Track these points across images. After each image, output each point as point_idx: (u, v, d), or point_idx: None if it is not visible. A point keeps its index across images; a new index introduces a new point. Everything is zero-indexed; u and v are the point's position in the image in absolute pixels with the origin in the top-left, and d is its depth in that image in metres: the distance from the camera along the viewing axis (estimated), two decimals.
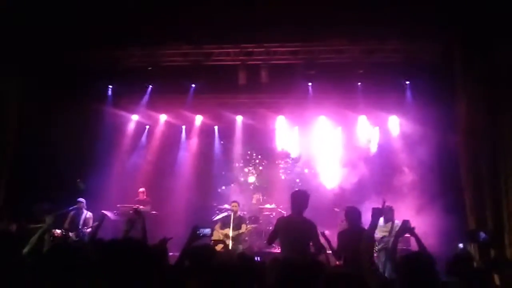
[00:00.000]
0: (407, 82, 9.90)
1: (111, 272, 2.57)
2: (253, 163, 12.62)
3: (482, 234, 3.82)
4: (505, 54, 7.46)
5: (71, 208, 8.86)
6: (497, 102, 7.73)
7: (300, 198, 5.36)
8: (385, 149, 10.92)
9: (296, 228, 5.18)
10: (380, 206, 4.69)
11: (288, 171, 12.42)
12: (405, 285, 3.44)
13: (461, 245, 6.93)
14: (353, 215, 5.57)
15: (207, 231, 4.34)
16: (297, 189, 5.73)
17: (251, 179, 12.43)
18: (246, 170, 12.58)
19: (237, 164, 12.49)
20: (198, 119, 12.12)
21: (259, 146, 12.53)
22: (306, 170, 12.10)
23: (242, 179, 12.40)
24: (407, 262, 3.66)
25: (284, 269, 3.55)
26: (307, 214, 5.43)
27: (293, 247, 5.10)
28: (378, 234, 8.15)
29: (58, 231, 8.19)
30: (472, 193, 8.24)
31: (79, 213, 8.87)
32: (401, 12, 7.77)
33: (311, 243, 5.28)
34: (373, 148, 11.09)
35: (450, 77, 8.70)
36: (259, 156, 12.60)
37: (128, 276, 2.50)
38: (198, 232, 4.26)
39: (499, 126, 7.71)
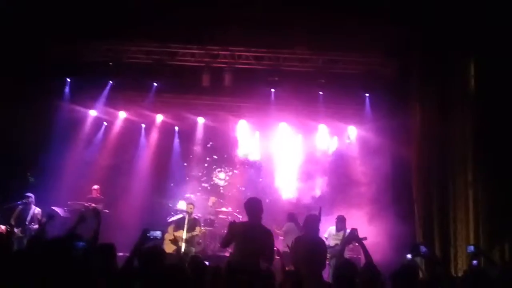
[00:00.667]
0: (367, 94, 10.14)
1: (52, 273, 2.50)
2: (212, 166, 12.58)
3: (423, 248, 3.96)
4: (458, 67, 7.83)
5: (19, 202, 8.49)
6: (449, 116, 8.08)
7: (255, 205, 5.36)
8: (342, 159, 11.15)
9: (255, 235, 5.16)
10: (317, 213, 4.77)
11: (247, 177, 12.45)
12: None
13: (409, 256, 7.13)
14: (312, 222, 5.60)
15: (158, 233, 4.26)
16: (250, 197, 5.69)
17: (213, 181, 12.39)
18: (204, 172, 12.52)
19: (195, 166, 12.41)
20: (159, 118, 11.95)
21: (219, 149, 12.51)
22: (260, 179, 12.18)
23: (199, 181, 12.33)
24: (340, 269, 3.80)
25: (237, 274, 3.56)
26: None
27: (249, 253, 5.08)
28: (330, 242, 8.30)
29: (2, 227, 7.83)
30: (422, 204, 8.54)
31: (27, 208, 8.46)
32: (362, 25, 8.00)
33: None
34: (331, 157, 11.29)
35: (407, 91, 9.04)
36: (218, 159, 12.57)
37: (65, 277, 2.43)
38: (148, 234, 4.18)
39: (449, 141, 8.04)
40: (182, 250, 8.82)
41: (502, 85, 6.82)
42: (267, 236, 5.24)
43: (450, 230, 7.86)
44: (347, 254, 8.33)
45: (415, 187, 8.80)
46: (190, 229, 9.08)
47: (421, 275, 6.91)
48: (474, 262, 5.42)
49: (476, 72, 7.39)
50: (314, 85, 10.01)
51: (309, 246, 5.20)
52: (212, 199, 11.07)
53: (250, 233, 5.13)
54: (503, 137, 6.86)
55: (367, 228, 9.14)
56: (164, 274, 2.97)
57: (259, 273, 4.17)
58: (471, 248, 5.64)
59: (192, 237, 9.06)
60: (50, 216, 6.78)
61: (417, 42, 8.43)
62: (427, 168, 8.51)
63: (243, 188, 12.19)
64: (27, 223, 8.37)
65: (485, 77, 7.23)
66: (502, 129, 6.85)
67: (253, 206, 5.33)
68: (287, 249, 5.86)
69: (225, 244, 5.49)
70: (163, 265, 3.49)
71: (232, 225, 5.45)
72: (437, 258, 4.52)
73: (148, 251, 3.90)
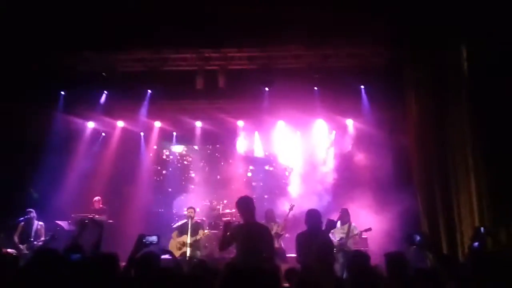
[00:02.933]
0: (362, 87, 10.11)
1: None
2: (213, 168, 12.59)
3: (417, 237, 3.92)
4: (451, 56, 7.80)
5: (21, 218, 8.51)
6: (445, 103, 8.06)
7: (248, 203, 5.35)
8: (341, 152, 11.12)
9: (254, 234, 5.16)
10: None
11: (250, 176, 12.46)
12: (353, 283, 3.55)
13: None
14: (313, 218, 5.58)
15: (154, 238, 4.25)
16: (241, 196, 5.66)
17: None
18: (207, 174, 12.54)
19: (195, 170, 12.43)
20: (157, 125, 11.94)
21: (220, 151, 12.52)
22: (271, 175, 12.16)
23: (201, 184, 12.34)
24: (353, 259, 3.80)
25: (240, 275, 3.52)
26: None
27: (251, 252, 5.07)
28: (335, 236, 8.29)
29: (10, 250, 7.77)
30: (425, 193, 8.52)
31: (29, 223, 8.50)
32: (352, 17, 7.98)
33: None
34: (330, 152, 11.26)
35: (401, 80, 9.02)
36: (220, 159, 12.60)
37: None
38: (144, 240, 4.18)
39: (448, 128, 8.03)
40: (188, 254, 8.82)
41: (496, 68, 6.79)
42: (267, 234, 5.24)
43: (454, 215, 7.85)
44: (353, 247, 8.34)
45: (417, 176, 8.78)
46: (194, 233, 9.09)
47: (429, 263, 6.91)
48: (475, 244, 5.39)
49: (469, 57, 7.37)
50: (309, 81, 9.98)
51: (315, 241, 5.18)
52: (213, 201, 11.08)
53: (250, 232, 5.12)
54: (501, 121, 6.84)
55: (373, 219, 9.15)
56: (159, 279, 2.95)
57: (264, 272, 4.15)
58: (481, 229, 5.62)
59: (196, 241, 9.06)
60: (52, 237, 6.75)
61: (407, 29, 8.39)
62: (427, 156, 8.50)
63: (248, 189, 12.20)
64: (31, 239, 8.41)
65: (478, 62, 7.22)
66: (499, 111, 6.82)
67: (247, 205, 5.32)
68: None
69: (222, 246, 5.43)
70: (159, 271, 3.47)
71: (229, 226, 5.43)
72: (431, 245, 4.49)
73: (142, 258, 3.88)
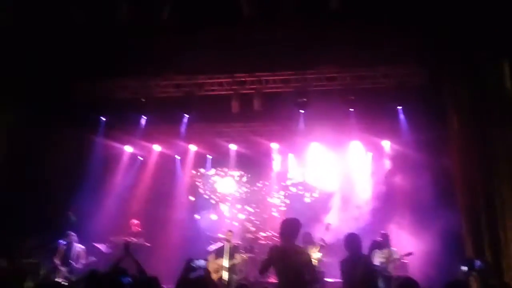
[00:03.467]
0: (399, 107, 9.93)
1: None
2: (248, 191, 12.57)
3: (478, 262, 3.73)
4: (493, 74, 7.58)
5: (61, 241, 8.69)
6: (489, 123, 7.79)
7: (290, 226, 5.26)
8: (379, 175, 10.86)
9: (291, 257, 5.07)
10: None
11: (286, 199, 12.34)
12: None
13: (464, 268, 6.76)
14: (353, 242, 5.43)
15: (202, 263, 4.27)
16: (287, 218, 5.60)
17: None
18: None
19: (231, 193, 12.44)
20: (192, 149, 12.07)
21: (254, 174, 12.51)
22: (306, 199, 12.01)
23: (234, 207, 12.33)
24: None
25: None
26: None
27: (289, 277, 4.98)
28: (375, 260, 8.03)
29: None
30: (469, 217, 8.19)
31: (70, 246, 8.67)
32: (387, 37, 7.91)
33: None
34: (367, 174, 11.02)
35: (441, 100, 8.79)
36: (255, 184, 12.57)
37: None
38: (192, 264, 4.16)
39: (492, 147, 7.73)
40: (226, 278, 8.73)
41: None
42: (303, 256, 5.12)
43: (500, 240, 7.47)
44: (393, 272, 8.06)
45: (460, 199, 8.45)
46: (231, 256, 9.01)
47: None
48: None
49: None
50: (344, 102, 9.89)
51: (358, 266, 5.04)
52: (246, 224, 10.99)
53: (287, 255, 5.02)
54: None
55: (413, 244, 8.85)
56: None
57: None
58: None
59: (234, 265, 8.98)
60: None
61: (446, 48, 8.23)
62: (471, 179, 8.17)
63: (282, 211, 12.09)
64: (71, 261, 8.55)
65: None
66: None
67: (289, 226, 5.23)
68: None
69: (263, 269, 5.33)
70: None
71: (271, 249, 5.36)
72: (492, 271, 4.28)
73: (193, 282, 3.83)
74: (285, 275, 5.00)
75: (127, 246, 4.91)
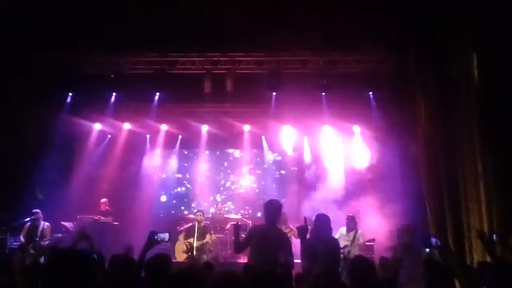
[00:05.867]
0: (370, 93, 10.08)
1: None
2: (217, 173, 12.59)
3: (433, 240, 3.88)
4: (460, 60, 7.78)
5: (27, 219, 8.51)
6: (454, 109, 8.02)
7: (273, 209, 5.30)
8: (348, 159, 11.05)
9: (271, 239, 5.09)
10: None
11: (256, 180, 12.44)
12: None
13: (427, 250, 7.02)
14: (321, 223, 5.51)
15: (165, 236, 4.21)
16: (270, 199, 5.61)
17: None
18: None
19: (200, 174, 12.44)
20: (163, 128, 11.93)
21: (225, 155, 12.52)
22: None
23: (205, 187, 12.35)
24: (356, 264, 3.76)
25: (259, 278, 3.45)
26: None
27: (265, 258, 5.01)
28: (341, 242, 8.20)
29: None
30: (433, 200, 8.45)
31: (36, 224, 8.51)
32: (359, 23, 7.98)
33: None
34: (337, 158, 11.19)
35: (410, 86, 8.98)
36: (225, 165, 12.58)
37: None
38: (155, 237, 4.13)
39: (456, 133, 7.98)
40: (194, 258, 8.78)
41: (507, 72, 6.76)
42: (284, 240, 5.17)
43: (463, 223, 7.76)
44: (358, 254, 8.27)
45: (425, 183, 8.71)
46: (201, 236, 9.06)
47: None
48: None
49: (479, 63, 7.33)
50: (316, 86, 9.97)
51: (325, 247, 5.12)
52: (219, 205, 11.00)
53: (267, 237, 5.05)
54: (511, 126, 6.79)
55: (380, 227, 9.08)
56: (173, 282, 2.89)
57: (278, 277, 4.10)
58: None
59: (203, 244, 9.03)
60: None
61: (415, 35, 8.38)
62: (436, 162, 8.43)
63: (251, 194, 12.20)
64: (37, 239, 8.41)
65: (488, 65, 7.16)
66: (509, 117, 6.77)
67: (271, 209, 5.26)
68: None
69: (240, 248, 5.37)
70: (171, 274, 3.41)
71: (239, 228, 5.39)
72: (449, 249, 4.46)
73: (154, 261, 3.78)
74: (261, 256, 5.03)
75: (83, 234, 4.77)
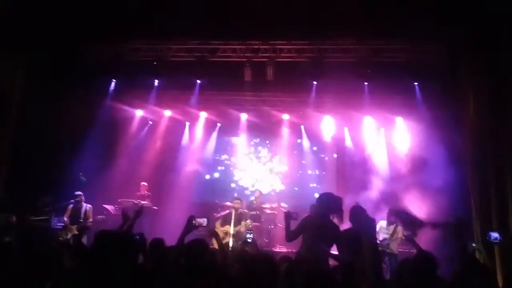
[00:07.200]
0: (415, 83, 9.72)
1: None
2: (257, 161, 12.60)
3: (494, 234, 3.67)
4: (510, 55, 7.36)
5: (70, 201, 8.84)
6: (504, 103, 7.62)
7: (328, 200, 5.21)
8: (391, 151, 10.76)
9: (325, 231, 5.04)
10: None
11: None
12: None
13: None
14: (356, 215, 5.38)
15: (203, 220, 4.23)
16: (330, 192, 5.53)
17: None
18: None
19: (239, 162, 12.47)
20: (203, 116, 12.02)
21: (265, 144, 12.53)
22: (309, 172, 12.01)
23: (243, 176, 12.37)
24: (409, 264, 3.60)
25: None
26: None
27: (317, 249, 4.95)
28: (380, 236, 8.03)
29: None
30: (479, 195, 8.12)
31: (78, 206, 8.84)
32: (406, 11, 7.67)
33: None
34: (379, 150, 10.93)
35: (458, 79, 8.57)
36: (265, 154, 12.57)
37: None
38: (193, 222, 4.15)
39: (506, 128, 7.59)
40: (230, 245, 8.83)
41: None
42: (337, 233, 5.08)
43: (509, 221, 7.44)
44: (397, 249, 8.08)
45: (471, 179, 8.36)
46: (237, 223, 9.10)
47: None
48: None
49: None
50: (359, 76, 9.69)
51: (359, 240, 5.00)
52: (256, 194, 10.96)
53: (321, 227, 4.99)
54: None
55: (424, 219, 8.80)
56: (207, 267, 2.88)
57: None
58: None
59: (239, 232, 9.07)
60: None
61: (466, 26, 7.96)
62: (483, 160, 8.06)
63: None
64: (81, 220, 8.72)
65: None
66: None
67: (326, 201, 5.19)
68: None
69: (291, 236, 5.29)
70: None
71: (290, 216, 5.32)
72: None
73: (192, 245, 3.80)
74: (314, 246, 4.96)
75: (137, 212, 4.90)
